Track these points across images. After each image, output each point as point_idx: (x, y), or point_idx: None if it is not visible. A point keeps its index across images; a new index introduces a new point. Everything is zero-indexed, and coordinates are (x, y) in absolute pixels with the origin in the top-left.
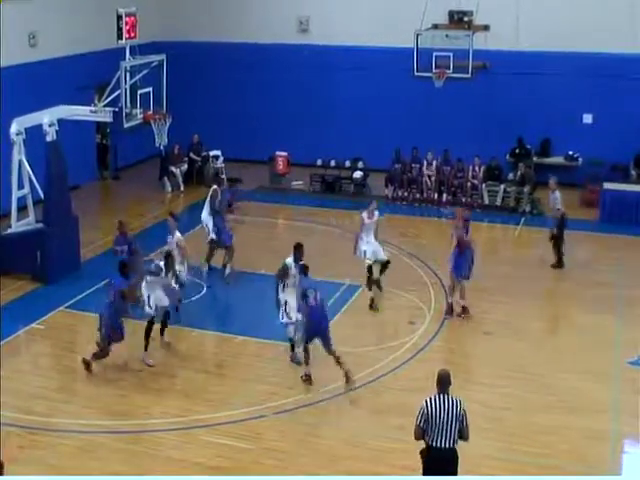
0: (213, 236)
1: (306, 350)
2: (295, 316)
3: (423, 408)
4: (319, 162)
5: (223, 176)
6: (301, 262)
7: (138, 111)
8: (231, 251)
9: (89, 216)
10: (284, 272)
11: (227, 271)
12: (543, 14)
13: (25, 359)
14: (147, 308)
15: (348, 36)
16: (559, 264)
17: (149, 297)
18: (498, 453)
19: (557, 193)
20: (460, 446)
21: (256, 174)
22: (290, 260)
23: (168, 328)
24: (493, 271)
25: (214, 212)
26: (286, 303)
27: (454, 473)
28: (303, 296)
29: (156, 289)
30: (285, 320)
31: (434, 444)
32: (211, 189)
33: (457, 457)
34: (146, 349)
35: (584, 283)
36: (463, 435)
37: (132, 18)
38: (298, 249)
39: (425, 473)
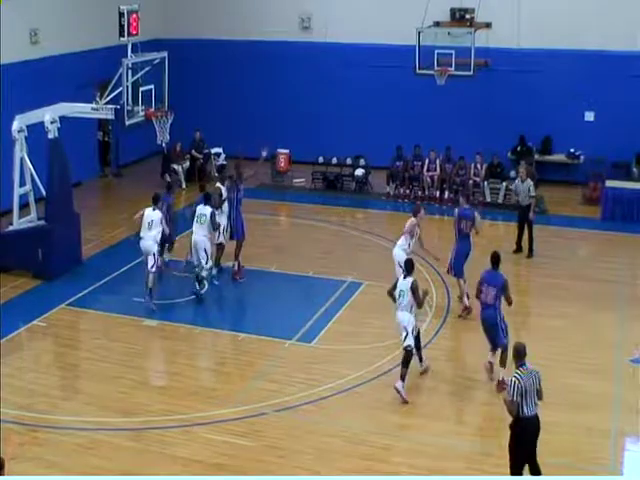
0: (222, 239)
1: None
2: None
3: (516, 383)
4: (320, 159)
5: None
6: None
7: (140, 108)
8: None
9: (91, 213)
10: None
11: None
12: (545, 12)
13: (26, 356)
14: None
15: (350, 33)
16: (518, 250)
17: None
18: (499, 451)
19: (529, 181)
20: (461, 443)
21: (258, 171)
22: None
23: (170, 324)
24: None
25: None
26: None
27: (537, 439)
28: None
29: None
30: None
31: (526, 414)
32: (225, 184)
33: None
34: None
35: (586, 281)
36: (540, 397)
37: (134, 15)
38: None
39: (519, 444)
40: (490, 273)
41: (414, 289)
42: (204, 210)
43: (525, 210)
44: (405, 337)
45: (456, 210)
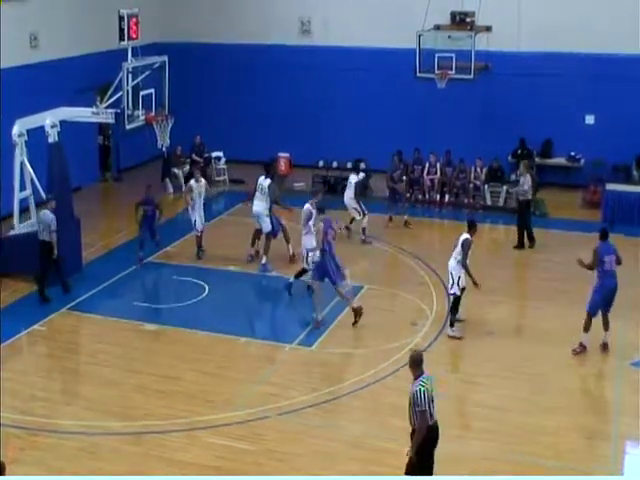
0: (269, 228)
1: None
2: None
3: (425, 392)
4: (321, 163)
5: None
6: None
7: (140, 112)
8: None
9: (91, 218)
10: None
11: (264, 260)
12: (545, 15)
13: (27, 360)
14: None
15: (350, 37)
16: (521, 245)
17: None
18: (499, 454)
19: (528, 177)
20: (461, 447)
21: (258, 175)
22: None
23: (170, 328)
24: (495, 272)
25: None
26: None
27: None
28: None
29: None
30: None
31: (432, 422)
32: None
33: None
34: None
35: (586, 284)
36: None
37: (134, 19)
38: None
39: (429, 452)
40: (605, 244)
41: (464, 245)
42: (264, 182)
43: (524, 205)
44: (451, 285)
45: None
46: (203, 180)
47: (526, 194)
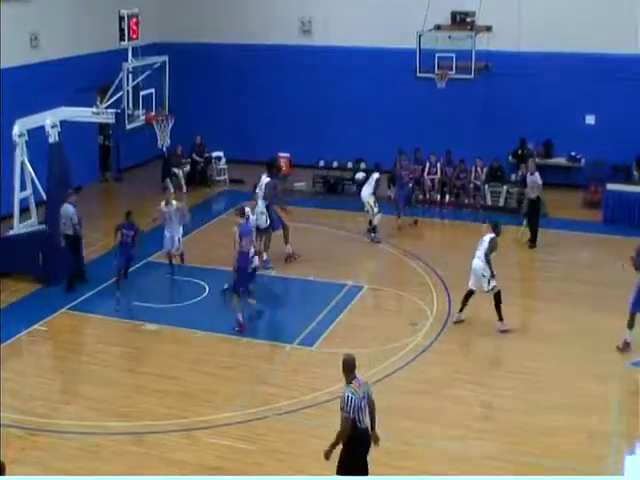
0: (264, 225)
1: None
2: None
3: (352, 399)
4: (321, 163)
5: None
6: None
7: (140, 112)
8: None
9: (91, 217)
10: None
11: (265, 257)
12: (545, 15)
13: (27, 360)
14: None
15: (350, 37)
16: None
17: None
18: (500, 454)
19: (537, 174)
20: (462, 447)
21: (258, 175)
22: None
23: (170, 328)
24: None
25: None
26: None
27: (368, 450)
28: None
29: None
30: None
31: (360, 428)
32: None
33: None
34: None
35: (587, 284)
36: (371, 411)
37: (134, 19)
38: None
39: (353, 459)
40: None
41: (491, 243)
42: (263, 180)
43: (535, 202)
44: (487, 282)
45: None
46: (175, 203)
47: (539, 190)
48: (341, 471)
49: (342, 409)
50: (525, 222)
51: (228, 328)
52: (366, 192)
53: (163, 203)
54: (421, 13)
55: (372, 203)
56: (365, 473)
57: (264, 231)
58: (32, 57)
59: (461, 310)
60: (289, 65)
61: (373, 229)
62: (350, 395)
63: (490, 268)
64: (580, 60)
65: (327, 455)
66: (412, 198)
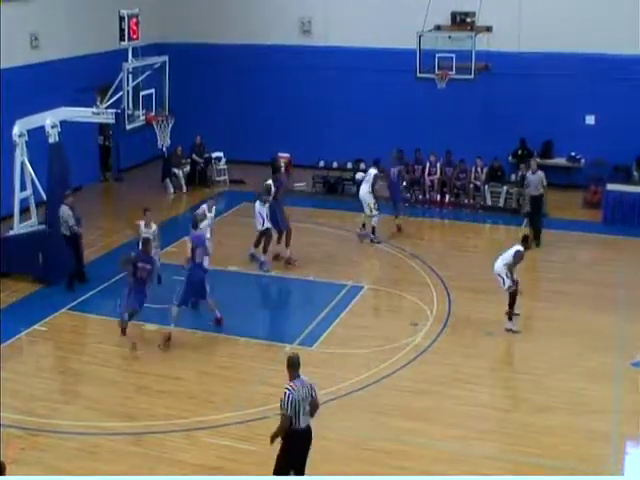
0: (268, 225)
1: None
2: None
3: (290, 396)
4: (321, 163)
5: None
6: None
7: (140, 113)
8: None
9: (91, 218)
10: None
11: (262, 259)
12: (545, 15)
13: (27, 361)
14: None
15: (350, 37)
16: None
17: None
18: (500, 454)
19: (540, 173)
20: (462, 447)
21: (258, 175)
22: None
23: (173, 328)
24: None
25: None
26: None
27: (308, 450)
28: None
29: None
30: None
31: (298, 427)
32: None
33: (312, 434)
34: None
35: (587, 284)
36: (314, 410)
37: (134, 19)
38: None
39: (288, 456)
40: None
41: (516, 256)
42: (371, 170)
43: (537, 200)
44: (503, 282)
45: None
46: (154, 226)
47: (544, 188)
48: (275, 467)
49: (280, 406)
50: (526, 222)
51: (228, 328)
52: (364, 190)
53: (142, 223)
54: (421, 13)
55: (372, 205)
56: (301, 473)
57: (263, 232)
58: (32, 57)
59: (510, 318)
60: (289, 65)
61: (372, 230)
62: (289, 392)
63: (511, 275)
64: (580, 60)
65: (271, 440)
66: (400, 197)
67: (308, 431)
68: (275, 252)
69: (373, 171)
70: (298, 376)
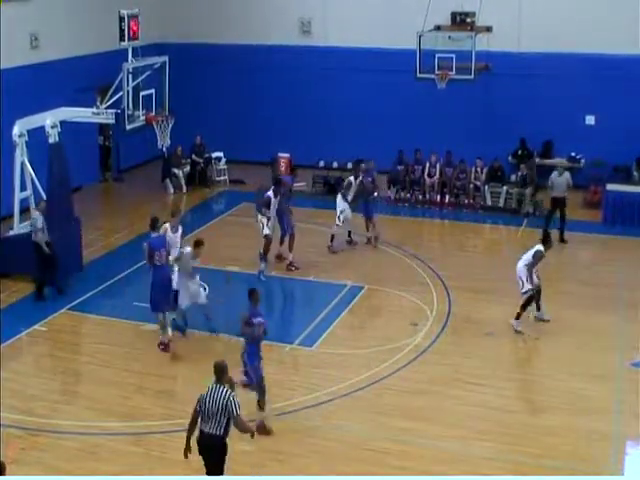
0: (268, 231)
1: None
2: None
3: (200, 395)
4: (321, 163)
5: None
6: None
7: (140, 113)
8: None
9: (91, 218)
10: None
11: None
12: (545, 15)
13: (27, 361)
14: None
15: (350, 38)
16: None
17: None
18: (500, 454)
19: (567, 174)
20: (462, 447)
21: (258, 175)
22: None
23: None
24: (495, 272)
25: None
26: None
27: (218, 460)
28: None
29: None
30: None
31: (203, 429)
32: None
33: (223, 445)
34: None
35: (587, 284)
36: (236, 425)
37: (134, 20)
38: None
39: (200, 453)
40: None
41: (536, 256)
42: (351, 179)
43: (561, 201)
44: (522, 285)
45: None
46: (180, 229)
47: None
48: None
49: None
50: (526, 222)
51: (228, 328)
52: (338, 197)
53: (169, 226)
54: (421, 13)
55: (337, 213)
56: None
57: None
58: (32, 57)
59: (538, 309)
60: (289, 65)
61: (331, 238)
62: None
63: (530, 279)
64: (580, 60)
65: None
66: (373, 211)
67: (209, 439)
68: (278, 252)
69: (349, 178)
70: (221, 383)
